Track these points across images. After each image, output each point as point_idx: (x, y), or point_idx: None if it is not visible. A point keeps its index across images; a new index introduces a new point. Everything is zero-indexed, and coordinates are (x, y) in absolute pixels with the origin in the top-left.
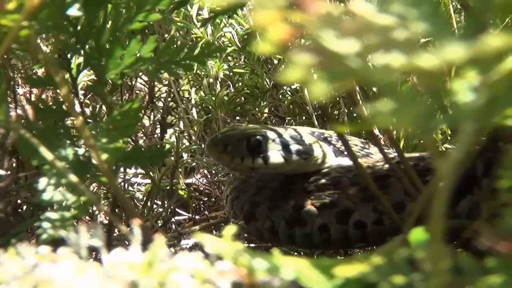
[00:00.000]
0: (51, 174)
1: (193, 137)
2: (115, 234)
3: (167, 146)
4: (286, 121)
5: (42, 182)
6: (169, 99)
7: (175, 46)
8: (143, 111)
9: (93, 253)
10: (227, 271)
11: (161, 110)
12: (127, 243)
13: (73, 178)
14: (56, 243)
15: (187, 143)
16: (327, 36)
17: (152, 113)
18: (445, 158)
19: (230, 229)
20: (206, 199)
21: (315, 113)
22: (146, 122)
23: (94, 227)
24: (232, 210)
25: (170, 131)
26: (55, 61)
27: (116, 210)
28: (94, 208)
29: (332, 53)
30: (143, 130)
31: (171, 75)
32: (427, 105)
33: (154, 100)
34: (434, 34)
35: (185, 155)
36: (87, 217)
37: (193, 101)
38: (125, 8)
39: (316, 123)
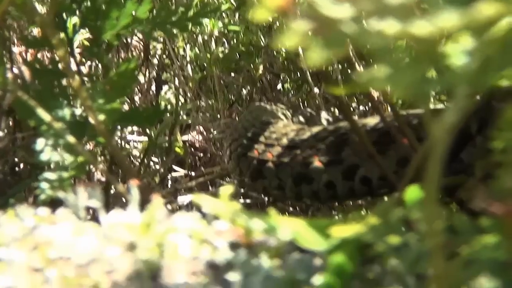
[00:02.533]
0: (49, 134)
1: (189, 94)
2: (112, 192)
3: (164, 104)
4: (281, 77)
5: (40, 142)
6: (164, 56)
7: (170, 6)
8: (138, 68)
9: (91, 213)
10: (224, 231)
11: (156, 67)
12: (124, 201)
13: (70, 139)
14: (55, 204)
15: (183, 100)
16: (322, 1)
17: (147, 70)
18: (439, 121)
19: (227, 189)
20: (202, 155)
21: (309, 71)
22: (141, 79)
23: (92, 187)
24: (238, 167)
25: (165, 88)
26: (52, 23)
27: (113, 168)
28: (91, 167)
29: (327, 19)
30: (138, 87)
31: (167, 36)
32: (422, 69)
33: (149, 57)
34: None
35: (181, 112)
36: (84, 176)
37: (188, 58)
38: None
39: (310, 79)
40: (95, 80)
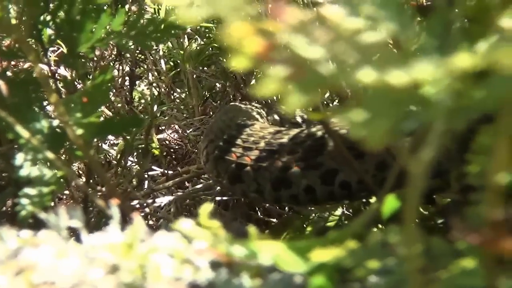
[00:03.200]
0: (27, 149)
1: (162, 89)
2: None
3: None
4: (255, 72)
5: (19, 157)
6: (137, 51)
7: (144, 18)
8: (111, 63)
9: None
10: (205, 250)
11: (129, 62)
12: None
13: (49, 154)
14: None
15: (156, 93)
16: (299, 43)
17: (121, 66)
18: (417, 159)
19: (206, 208)
20: (177, 154)
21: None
22: (115, 73)
23: (73, 207)
24: (216, 170)
25: (139, 83)
26: (28, 40)
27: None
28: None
29: (304, 61)
30: (112, 83)
31: (143, 48)
32: (398, 114)
33: (122, 52)
34: (401, 34)
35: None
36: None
37: (161, 53)
38: None
39: (256, 83)
40: (71, 92)
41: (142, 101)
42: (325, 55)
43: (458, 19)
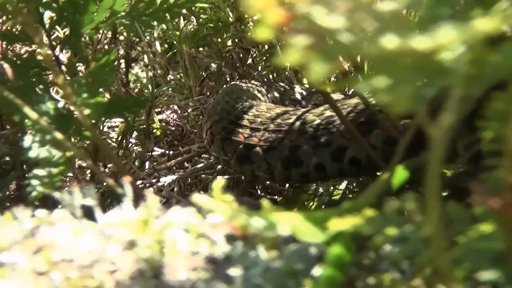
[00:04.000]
0: (35, 130)
1: (158, 71)
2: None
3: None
4: (251, 52)
5: (27, 139)
6: (132, 33)
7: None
8: (106, 46)
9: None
10: (220, 224)
11: (124, 45)
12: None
13: (58, 135)
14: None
15: (151, 74)
16: (318, 13)
17: (116, 48)
18: (436, 125)
19: (219, 182)
20: (176, 134)
21: (279, 44)
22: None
23: (86, 185)
24: (223, 150)
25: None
26: (34, 23)
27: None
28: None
29: (324, 30)
30: None
31: (146, 28)
32: (421, 80)
33: (117, 35)
34: (416, 3)
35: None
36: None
37: (155, 35)
38: None
39: (281, 53)
40: (75, 72)
41: (138, 84)
42: (344, 24)
43: None
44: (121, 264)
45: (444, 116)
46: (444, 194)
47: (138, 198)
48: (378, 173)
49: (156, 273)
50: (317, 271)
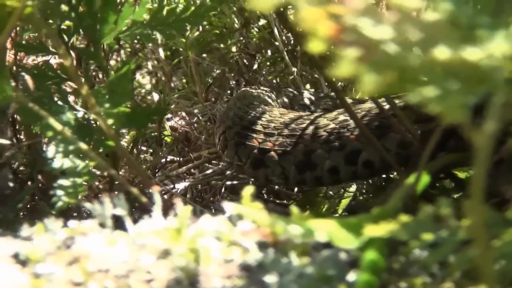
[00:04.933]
0: (58, 141)
1: (163, 78)
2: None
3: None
4: (257, 57)
5: (51, 150)
6: (135, 40)
7: (166, 8)
8: (110, 54)
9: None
10: (250, 232)
11: (128, 52)
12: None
13: (82, 145)
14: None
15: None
16: (366, 25)
17: (119, 56)
18: (481, 132)
19: (248, 190)
20: (185, 140)
21: (286, 49)
22: (113, 63)
23: (117, 196)
24: (237, 155)
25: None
26: (57, 34)
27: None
28: None
29: (372, 42)
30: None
31: (165, 38)
32: (471, 92)
33: (121, 43)
34: (457, 13)
35: (157, 96)
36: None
37: (159, 41)
38: None
39: (287, 58)
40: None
41: (142, 90)
42: (392, 35)
43: None
44: (156, 273)
45: (488, 124)
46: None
47: (167, 207)
48: (390, 175)
49: (192, 281)
50: (352, 276)
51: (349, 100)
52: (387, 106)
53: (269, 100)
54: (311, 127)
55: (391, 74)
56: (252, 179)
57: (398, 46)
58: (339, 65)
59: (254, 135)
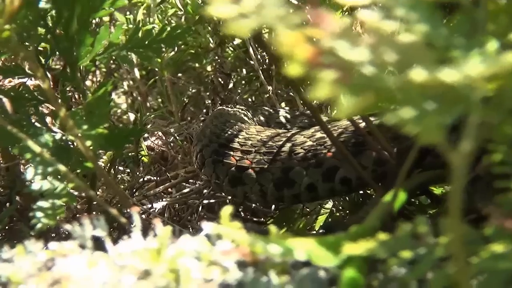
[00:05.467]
0: (36, 163)
1: (138, 98)
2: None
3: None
4: (232, 76)
5: (30, 172)
6: (111, 61)
7: (142, 30)
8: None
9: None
10: (230, 251)
11: (104, 72)
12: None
13: (60, 166)
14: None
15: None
16: (342, 47)
17: (95, 76)
18: (457, 152)
19: (227, 210)
20: (161, 159)
21: (261, 68)
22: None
23: (96, 217)
24: (214, 173)
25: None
26: (34, 57)
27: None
28: None
29: (349, 64)
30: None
31: (142, 60)
32: (449, 113)
33: (96, 63)
34: (433, 35)
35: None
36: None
37: (135, 61)
38: None
39: (262, 77)
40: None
41: (118, 110)
42: (368, 57)
43: (483, 18)
44: None
45: (463, 143)
46: (433, 211)
47: (146, 227)
48: (368, 191)
49: None
50: None
51: (325, 119)
52: (363, 124)
53: (245, 118)
54: (288, 145)
55: (368, 96)
56: (230, 197)
57: (375, 68)
58: (317, 88)
59: (232, 153)
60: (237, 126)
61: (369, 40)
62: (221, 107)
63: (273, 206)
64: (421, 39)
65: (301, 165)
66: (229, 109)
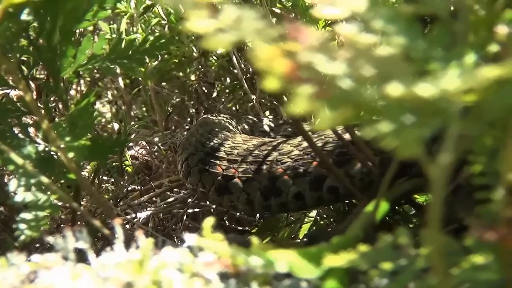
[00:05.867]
0: (20, 174)
1: (123, 107)
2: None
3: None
4: (216, 85)
5: (13, 183)
6: (95, 70)
7: (125, 40)
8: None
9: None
10: (212, 263)
11: (88, 82)
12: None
13: (44, 178)
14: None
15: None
16: (320, 61)
17: (79, 85)
18: (435, 164)
19: (209, 221)
20: (145, 169)
21: (244, 77)
22: (73, 93)
23: (78, 229)
24: (200, 182)
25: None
26: (17, 69)
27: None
28: None
29: (327, 78)
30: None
31: (126, 71)
32: (427, 126)
33: (80, 73)
34: (411, 48)
35: (117, 125)
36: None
37: (118, 71)
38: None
39: (246, 86)
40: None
41: (102, 119)
42: (345, 71)
43: (463, 30)
44: None
45: (442, 156)
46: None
47: (129, 239)
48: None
49: None
50: None
51: (308, 128)
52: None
53: (230, 127)
54: (275, 154)
55: (346, 109)
56: (214, 206)
57: (353, 82)
58: (295, 102)
59: (218, 162)
60: (222, 135)
61: (347, 53)
62: (205, 116)
63: (257, 216)
64: (399, 51)
65: (288, 174)
66: (214, 117)
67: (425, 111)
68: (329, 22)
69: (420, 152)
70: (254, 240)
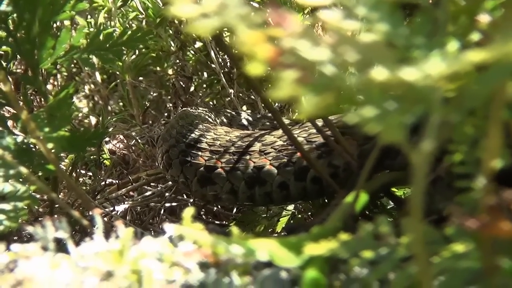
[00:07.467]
0: None
1: (100, 101)
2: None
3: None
4: (193, 79)
5: None
6: (72, 65)
7: (103, 33)
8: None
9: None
10: (192, 252)
11: (65, 76)
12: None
13: (22, 169)
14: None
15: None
16: (304, 47)
17: (56, 80)
18: (418, 151)
19: (189, 211)
20: (123, 163)
21: (222, 71)
22: (50, 87)
23: (59, 219)
24: (182, 174)
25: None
26: None
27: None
28: None
29: (310, 64)
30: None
31: (103, 63)
32: (410, 112)
33: (57, 67)
34: (394, 34)
35: (94, 120)
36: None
37: (96, 65)
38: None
39: (223, 80)
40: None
41: (79, 114)
42: (329, 57)
43: (444, 18)
44: None
45: (424, 143)
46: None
47: (108, 229)
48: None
49: None
50: None
51: (287, 121)
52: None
53: (210, 120)
54: (258, 144)
55: (329, 96)
56: (192, 200)
57: (336, 68)
58: (278, 87)
59: (200, 153)
60: (204, 127)
61: (330, 39)
62: (185, 109)
63: (234, 209)
64: (382, 38)
65: (272, 164)
66: (193, 110)
67: (407, 98)
68: (311, 9)
69: (403, 138)
70: (234, 230)
